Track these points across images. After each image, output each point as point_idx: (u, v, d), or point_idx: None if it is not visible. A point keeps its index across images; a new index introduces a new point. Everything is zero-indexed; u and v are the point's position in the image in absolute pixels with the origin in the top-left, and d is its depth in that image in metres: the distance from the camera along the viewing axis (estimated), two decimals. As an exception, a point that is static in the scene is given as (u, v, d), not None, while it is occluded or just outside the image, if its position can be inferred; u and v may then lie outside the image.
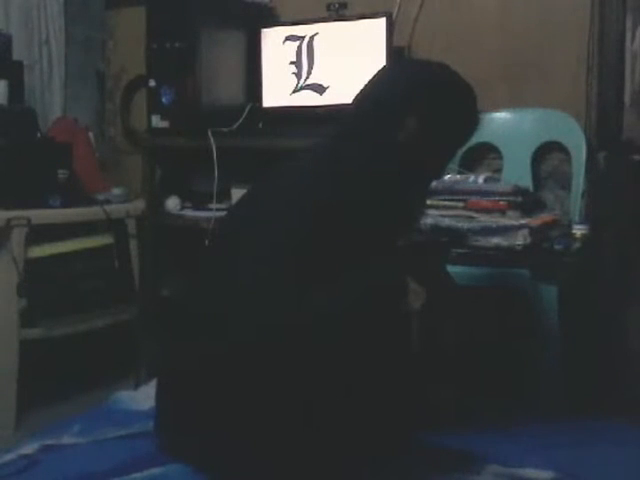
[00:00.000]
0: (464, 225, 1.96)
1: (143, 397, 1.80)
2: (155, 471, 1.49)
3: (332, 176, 1.50)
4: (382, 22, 2.37)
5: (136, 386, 2.22)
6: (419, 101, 1.54)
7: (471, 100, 1.61)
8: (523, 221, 1.92)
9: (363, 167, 1.51)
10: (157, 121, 2.52)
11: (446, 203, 2.04)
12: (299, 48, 2.52)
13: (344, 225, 1.44)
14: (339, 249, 1.43)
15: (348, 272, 1.41)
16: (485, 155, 2.44)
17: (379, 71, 1.66)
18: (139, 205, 2.64)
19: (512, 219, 1.94)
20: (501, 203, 1.98)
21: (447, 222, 1.98)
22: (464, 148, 2.03)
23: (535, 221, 1.94)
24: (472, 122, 1.63)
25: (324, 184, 1.49)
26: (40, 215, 2.30)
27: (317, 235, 1.43)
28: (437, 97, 1.56)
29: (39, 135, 2.54)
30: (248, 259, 1.44)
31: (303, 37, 2.52)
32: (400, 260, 1.59)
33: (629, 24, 2.23)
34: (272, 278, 1.40)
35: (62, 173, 2.42)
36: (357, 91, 1.62)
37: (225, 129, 2.46)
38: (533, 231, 1.90)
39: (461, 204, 2.03)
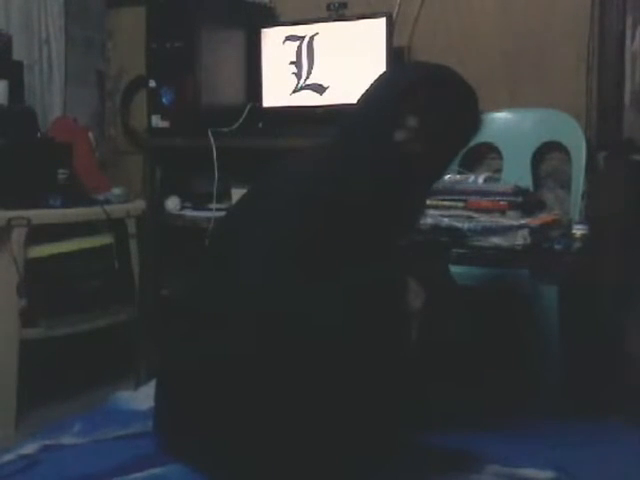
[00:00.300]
0: (464, 225, 1.96)
1: (143, 397, 1.81)
2: (155, 471, 1.50)
3: (332, 175, 1.50)
4: (382, 22, 2.37)
5: (136, 386, 2.22)
6: (418, 99, 1.53)
7: (472, 101, 1.59)
8: (523, 221, 1.92)
9: (363, 166, 1.51)
10: (157, 121, 2.52)
11: (446, 203, 2.03)
12: (299, 48, 2.52)
13: (344, 225, 1.44)
14: (339, 249, 1.43)
15: (348, 271, 1.41)
16: (485, 155, 2.44)
17: (381, 73, 1.67)
18: (139, 205, 2.64)
19: (512, 219, 1.94)
20: (501, 203, 1.98)
21: (447, 222, 1.98)
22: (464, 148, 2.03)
23: (535, 221, 1.94)
24: (473, 123, 1.61)
25: (324, 183, 1.49)
26: (40, 215, 2.30)
27: (317, 235, 1.43)
28: (437, 96, 1.54)
29: (39, 135, 2.54)
30: (248, 259, 1.44)
31: (303, 37, 2.52)
32: (400, 260, 1.59)
33: (629, 24, 2.23)
34: (272, 278, 1.40)
35: (62, 173, 2.42)
36: (358, 92, 1.62)
37: (225, 129, 2.46)
38: (533, 231, 1.90)
39: (461, 204, 2.03)
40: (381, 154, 1.52)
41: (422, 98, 1.53)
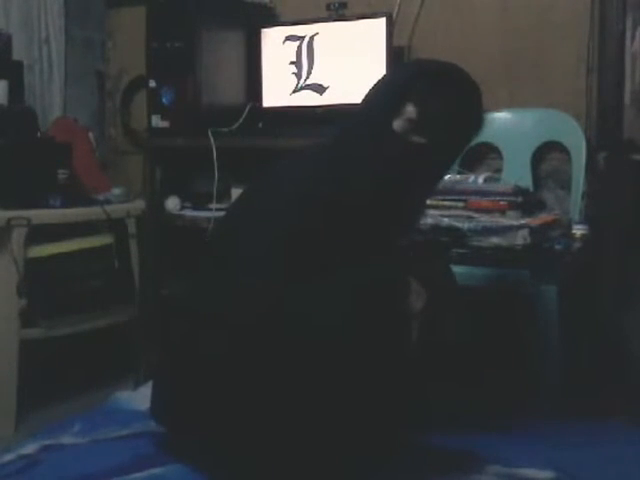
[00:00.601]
0: (464, 225, 1.96)
1: (143, 397, 1.80)
2: (155, 471, 1.50)
3: (332, 175, 1.49)
4: (382, 22, 2.37)
5: (136, 386, 2.22)
6: (418, 89, 1.49)
7: (474, 96, 1.56)
8: (523, 221, 1.92)
9: (363, 164, 1.49)
10: (157, 121, 2.52)
11: (446, 203, 2.03)
12: (299, 48, 2.52)
13: (344, 225, 1.44)
14: (339, 248, 1.43)
15: (348, 271, 1.41)
16: (485, 155, 2.44)
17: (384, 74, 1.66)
18: (139, 205, 2.64)
19: (512, 219, 1.94)
20: (501, 203, 1.98)
21: (447, 222, 1.98)
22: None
23: (535, 221, 1.94)
24: (475, 119, 1.57)
25: (324, 183, 1.49)
26: (40, 215, 2.30)
27: (317, 234, 1.43)
28: (437, 87, 1.51)
29: (39, 135, 2.54)
30: (247, 258, 1.44)
31: (303, 37, 2.51)
32: (400, 260, 1.59)
33: (629, 24, 2.23)
34: (271, 277, 1.40)
35: (62, 173, 2.42)
36: (358, 92, 1.62)
37: (225, 129, 2.46)
38: (533, 231, 1.90)
39: (461, 204, 2.02)
40: (381, 148, 1.49)
41: (422, 88, 1.50)
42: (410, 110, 1.49)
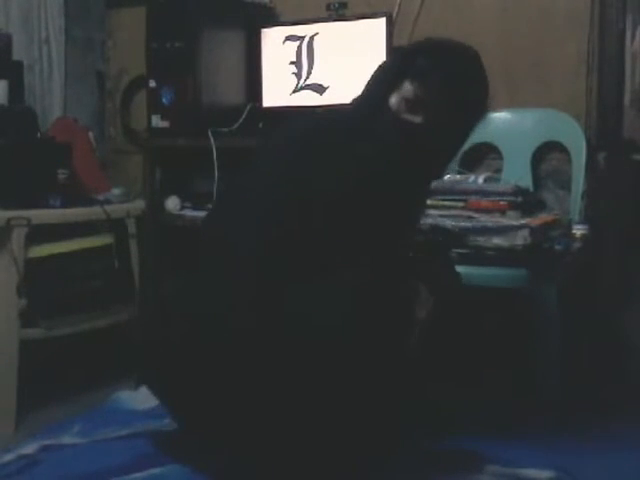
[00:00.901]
0: (464, 225, 1.96)
1: (143, 397, 1.81)
2: (155, 471, 1.50)
3: (332, 171, 1.48)
4: (382, 22, 2.37)
5: (136, 386, 2.22)
6: (416, 64, 1.47)
7: (477, 75, 1.52)
8: (523, 221, 1.92)
9: (363, 160, 1.47)
10: (157, 121, 2.52)
11: (446, 203, 2.03)
12: (299, 48, 2.52)
13: (343, 222, 1.44)
14: (338, 247, 1.43)
15: (347, 271, 1.41)
16: (485, 155, 2.44)
17: None
18: (139, 205, 2.64)
19: (512, 219, 1.94)
20: (501, 203, 1.98)
21: (447, 222, 1.98)
22: (464, 148, 2.02)
23: (535, 221, 1.94)
24: (477, 100, 1.53)
25: (324, 179, 1.47)
26: (40, 215, 2.30)
27: (316, 232, 1.43)
28: (436, 61, 1.47)
29: (39, 135, 2.53)
30: (246, 258, 1.44)
31: (303, 37, 2.52)
32: (400, 260, 1.59)
33: (629, 24, 2.24)
34: (269, 276, 1.40)
35: (62, 173, 2.42)
36: (358, 91, 1.61)
37: (225, 129, 2.46)
38: (533, 231, 1.90)
39: (461, 204, 2.03)
40: (378, 127, 1.46)
41: (421, 64, 1.46)
42: (407, 88, 1.46)
